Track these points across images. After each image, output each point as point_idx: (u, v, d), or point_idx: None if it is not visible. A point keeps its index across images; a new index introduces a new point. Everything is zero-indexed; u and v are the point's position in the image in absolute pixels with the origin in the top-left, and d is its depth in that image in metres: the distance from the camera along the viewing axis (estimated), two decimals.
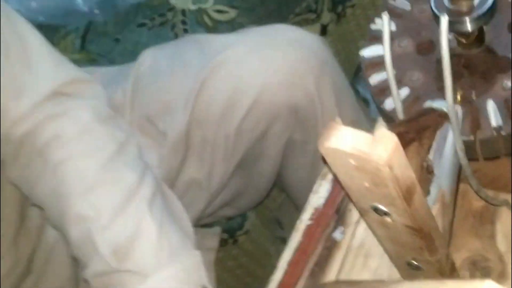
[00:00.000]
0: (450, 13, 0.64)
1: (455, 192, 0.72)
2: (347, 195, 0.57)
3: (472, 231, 0.83)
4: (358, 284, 0.64)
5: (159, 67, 1.00)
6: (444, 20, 0.57)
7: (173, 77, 0.98)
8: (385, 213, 0.57)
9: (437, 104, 0.66)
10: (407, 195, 0.53)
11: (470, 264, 0.81)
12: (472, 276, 0.79)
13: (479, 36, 0.68)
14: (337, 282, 0.72)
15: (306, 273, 0.78)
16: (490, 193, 0.82)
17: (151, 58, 1.00)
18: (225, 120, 0.97)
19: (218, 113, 0.96)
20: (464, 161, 0.67)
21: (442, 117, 0.63)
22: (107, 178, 0.77)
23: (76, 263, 0.86)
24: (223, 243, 1.21)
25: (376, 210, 0.57)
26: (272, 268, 0.74)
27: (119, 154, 0.80)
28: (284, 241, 0.82)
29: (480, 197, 0.75)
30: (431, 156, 0.62)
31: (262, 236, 1.25)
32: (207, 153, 0.99)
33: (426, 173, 0.62)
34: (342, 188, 0.56)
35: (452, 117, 0.62)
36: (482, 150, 0.66)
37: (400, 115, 0.67)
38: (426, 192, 0.63)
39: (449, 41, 0.68)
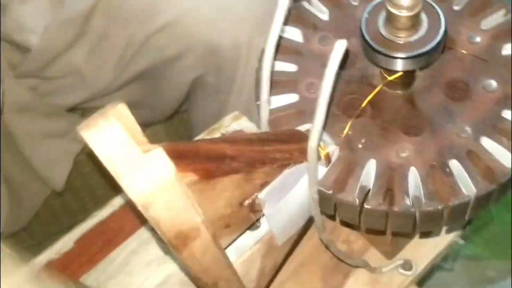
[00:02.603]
0: (381, 39, 0.48)
1: (300, 234, 0.58)
2: None
3: (319, 276, 0.71)
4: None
5: None
6: (341, 45, 0.41)
7: None
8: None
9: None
10: (178, 242, 0.40)
11: None
12: None
13: (407, 78, 0.52)
14: None
15: None
16: (345, 246, 0.69)
17: None
18: (135, 23, 0.82)
19: (131, 13, 0.82)
20: (316, 211, 0.53)
21: (303, 152, 0.48)
22: None
23: None
24: None
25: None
26: None
27: None
28: None
29: (332, 253, 0.62)
30: (263, 194, 0.48)
31: None
32: (102, 50, 0.86)
33: (247, 211, 0.48)
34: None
35: (312, 161, 0.47)
36: (340, 213, 0.52)
37: (264, 125, 0.52)
38: (239, 231, 0.49)
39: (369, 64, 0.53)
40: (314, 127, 0.45)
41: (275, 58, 0.56)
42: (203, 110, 0.95)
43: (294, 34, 0.57)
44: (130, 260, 0.76)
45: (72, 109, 1.00)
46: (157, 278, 0.74)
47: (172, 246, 0.40)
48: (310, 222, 0.57)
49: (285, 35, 0.57)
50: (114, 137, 0.35)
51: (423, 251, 0.70)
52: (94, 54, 0.87)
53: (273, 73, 0.56)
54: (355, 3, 0.58)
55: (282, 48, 0.57)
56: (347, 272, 0.71)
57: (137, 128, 0.38)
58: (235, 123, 0.85)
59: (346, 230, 0.73)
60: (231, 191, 0.44)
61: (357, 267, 0.67)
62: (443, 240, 0.70)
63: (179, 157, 0.40)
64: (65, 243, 0.80)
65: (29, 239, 1.08)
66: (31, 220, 1.07)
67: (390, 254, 0.70)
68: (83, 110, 1.05)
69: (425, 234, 0.66)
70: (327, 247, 0.60)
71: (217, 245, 0.45)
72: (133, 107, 1.02)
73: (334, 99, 0.54)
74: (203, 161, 0.41)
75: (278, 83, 0.55)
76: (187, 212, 0.38)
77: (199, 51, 0.83)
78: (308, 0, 0.59)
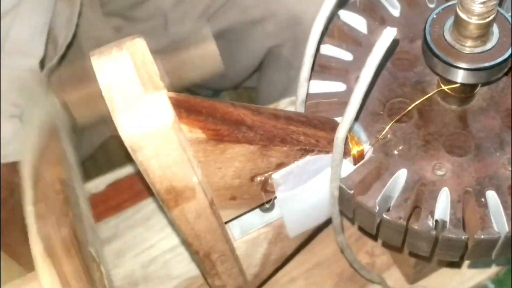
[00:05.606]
0: (443, 45, 0.45)
1: (314, 233, 0.55)
2: None
3: (333, 281, 0.68)
4: None
5: None
6: (390, 33, 0.37)
7: None
8: None
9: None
10: (168, 197, 0.38)
11: None
12: None
13: (465, 92, 0.48)
14: None
15: None
16: (366, 258, 0.66)
17: None
18: None
19: None
20: (334, 210, 0.50)
21: (331, 142, 0.45)
22: None
23: None
24: None
25: None
26: None
27: None
28: None
29: (353, 267, 0.58)
30: (278, 175, 0.45)
31: None
32: (188, 0, 0.85)
33: (258, 188, 0.45)
34: None
35: (337, 153, 0.44)
36: (358, 218, 0.49)
37: (300, 105, 0.50)
38: (247, 207, 0.47)
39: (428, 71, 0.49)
40: (345, 117, 0.42)
41: (332, 43, 0.53)
42: (271, 84, 0.94)
43: (359, 23, 0.54)
44: (153, 216, 0.75)
45: None
46: (173, 240, 0.73)
47: (162, 200, 0.38)
48: (330, 221, 0.54)
49: (350, 22, 0.54)
50: (121, 70, 0.34)
51: (447, 286, 0.65)
52: (181, 1, 0.87)
53: (325, 56, 0.53)
54: (431, 5, 0.54)
55: (343, 35, 0.54)
56: (363, 285, 0.67)
57: (154, 69, 0.36)
58: (291, 108, 0.82)
59: (373, 242, 0.69)
60: (242, 162, 0.42)
61: (372, 282, 0.64)
62: (471, 279, 0.65)
63: (190, 111, 0.38)
64: (98, 184, 0.81)
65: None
66: (85, 159, 1.09)
67: (411, 278, 0.65)
68: (164, 62, 1.06)
69: (449, 264, 0.61)
70: (341, 251, 0.56)
71: (214, 214, 0.43)
72: None
73: (382, 97, 0.50)
74: (217, 122, 0.39)
75: (329, 69, 0.52)
76: (182, 167, 0.36)
77: (281, 18, 0.81)
78: None
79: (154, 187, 0.37)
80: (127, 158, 0.80)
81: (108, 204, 0.79)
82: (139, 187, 0.79)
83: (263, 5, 0.82)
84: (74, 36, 0.83)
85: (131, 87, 0.33)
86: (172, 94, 0.37)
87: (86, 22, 0.89)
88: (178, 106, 0.37)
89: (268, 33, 0.85)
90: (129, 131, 0.33)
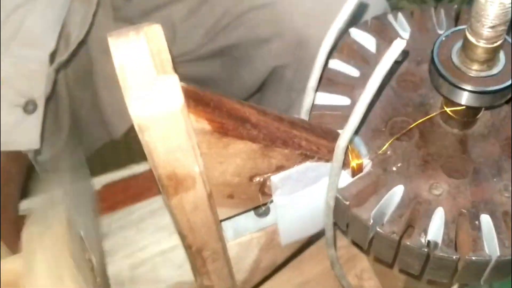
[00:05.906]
0: (450, 66, 0.45)
1: (305, 244, 0.56)
2: None
3: None
4: None
5: None
6: (400, 43, 0.38)
7: None
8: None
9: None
10: (169, 183, 0.38)
11: None
12: None
13: (467, 116, 0.49)
14: None
15: None
16: (355, 280, 0.66)
17: None
18: None
19: None
20: (328, 220, 0.50)
21: (331, 151, 0.46)
22: None
23: None
24: None
25: None
26: None
27: None
28: None
29: (341, 285, 0.58)
30: (277, 177, 0.45)
31: None
32: (200, 13, 0.88)
33: (256, 189, 0.46)
34: None
35: (336, 162, 0.45)
36: (351, 231, 0.49)
37: (304, 113, 0.50)
38: (242, 208, 0.47)
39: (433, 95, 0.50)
40: (348, 125, 0.42)
41: (341, 58, 0.54)
42: (272, 105, 0.94)
43: (369, 42, 0.55)
44: (146, 219, 0.76)
45: None
46: (164, 244, 0.73)
47: (162, 186, 0.39)
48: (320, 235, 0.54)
49: (360, 40, 0.55)
50: (136, 52, 0.35)
51: None
52: (191, 15, 0.88)
53: (333, 71, 0.54)
54: (440, 31, 0.55)
55: (352, 52, 0.55)
56: None
57: (168, 57, 0.37)
58: None
59: (362, 265, 0.69)
60: (243, 159, 0.42)
61: None
62: None
63: (198, 102, 0.38)
64: (94, 183, 0.81)
65: None
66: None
67: None
68: None
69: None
70: (331, 266, 0.57)
71: (211, 208, 0.43)
72: (208, 83, 1.01)
73: (385, 115, 0.51)
74: (223, 116, 0.40)
75: (336, 83, 0.53)
76: (186, 155, 0.37)
77: (287, 39, 0.82)
78: (394, 15, 0.56)
79: (157, 171, 0.37)
80: (126, 160, 0.80)
81: (102, 204, 0.79)
82: (133, 191, 0.79)
83: (272, 25, 0.83)
84: (86, 35, 0.84)
85: (145, 69, 0.34)
86: (182, 83, 0.38)
87: (97, 24, 0.90)
88: (187, 96, 0.37)
89: (273, 52, 0.86)
90: (139, 110, 0.33)
